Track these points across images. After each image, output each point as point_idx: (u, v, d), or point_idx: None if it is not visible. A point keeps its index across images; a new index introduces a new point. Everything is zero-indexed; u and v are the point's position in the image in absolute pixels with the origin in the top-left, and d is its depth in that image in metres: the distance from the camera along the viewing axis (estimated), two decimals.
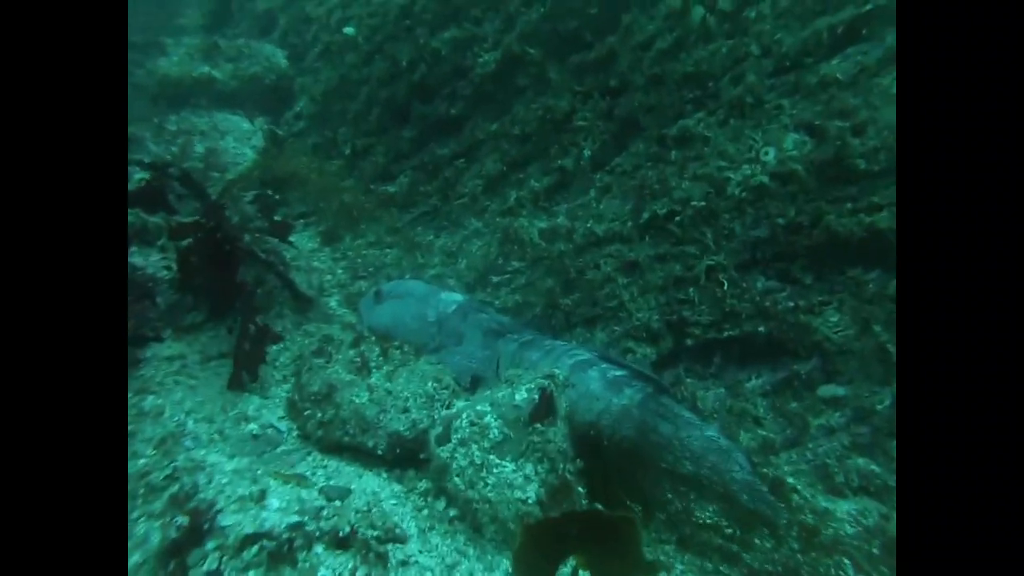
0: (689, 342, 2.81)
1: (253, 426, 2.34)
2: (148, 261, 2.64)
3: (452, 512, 2.10)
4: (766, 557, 2.12)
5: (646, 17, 3.02)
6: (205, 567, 1.72)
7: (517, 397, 2.15)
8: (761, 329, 2.67)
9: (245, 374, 2.48)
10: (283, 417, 2.45)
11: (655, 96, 2.98)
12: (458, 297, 2.96)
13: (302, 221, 3.95)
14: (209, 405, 2.35)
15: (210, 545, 1.77)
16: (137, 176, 2.84)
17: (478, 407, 2.16)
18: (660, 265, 2.87)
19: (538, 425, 2.08)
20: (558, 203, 3.16)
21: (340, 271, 3.57)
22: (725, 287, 2.72)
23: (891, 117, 2.44)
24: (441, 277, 3.30)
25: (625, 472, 2.41)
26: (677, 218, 2.80)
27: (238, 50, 4.36)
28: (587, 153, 3.09)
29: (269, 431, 2.35)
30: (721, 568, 2.07)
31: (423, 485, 2.26)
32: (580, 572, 1.59)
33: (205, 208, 2.80)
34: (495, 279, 3.16)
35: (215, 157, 3.84)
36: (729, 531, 2.27)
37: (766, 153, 2.68)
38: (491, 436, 2.07)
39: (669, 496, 2.46)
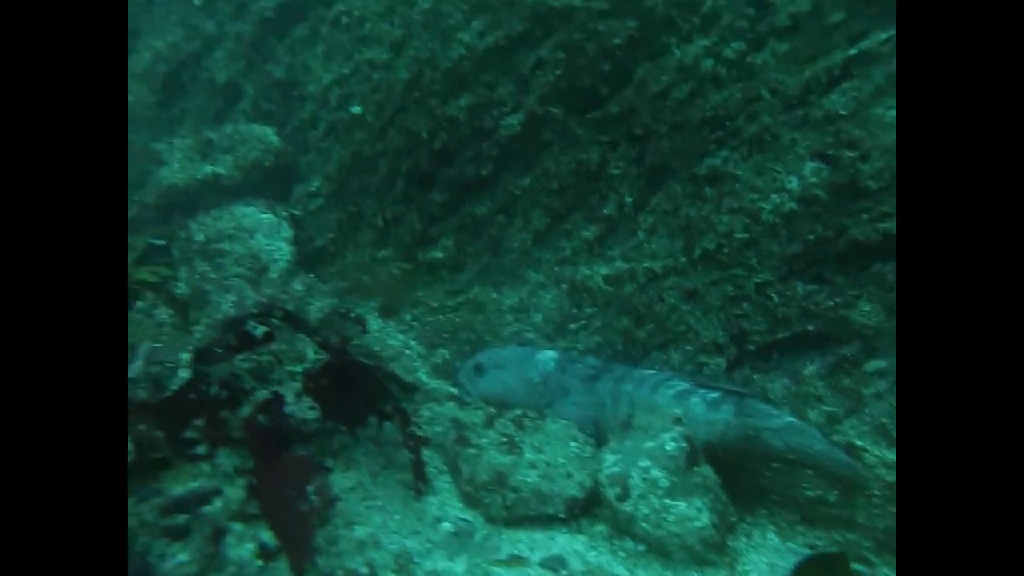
0: (751, 347, 3.48)
1: (447, 524, 2.84)
2: (296, 405, 2.98)
3: (641, 547, 2.73)
4: (870, 513, 2.90)
5: (658, 69, 3.48)
6: None
7: (667, 448, 2.76)
8: (809, 328, 3.38)
9: (419, 483, 2.95)
10: (463, 507, 2.95)
11: (680, 140, 3.50)
12: (552, 353, 3.49)
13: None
14: (407, 520, 2.82)
15: None
16: (249, 327, 3.09)
17: (640, 463, 2.76)
18: (715, 289, 3.48)
19: (695, 468, 2.71)
20: (611, 248, 3.68)
21: (413, 343, 3.97)
22: (775, 299, 3.38)
23: (890, 141, 3.09)
24: (519, 333, 3.79)
25: (735, 472, 3.10)
26: (725, 249, 3.41)
27: (230, 138, 4.44)
28: (629, 199, 3.60)
29: (461, 524, 2.86)
30: (849, 536, 2.82)
31: (599, 530, 2.87)
32: None
33: (321, 342, 3.14)
34: (572, 327, 3.69)
35: (257, 261, 4.05)
36: (833, 499, 3.04)
37: (790, 182, 3.29)
38: (662, 485, 2.69)
39: (768, 477, 3.21)
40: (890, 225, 3.16)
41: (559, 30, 3.63)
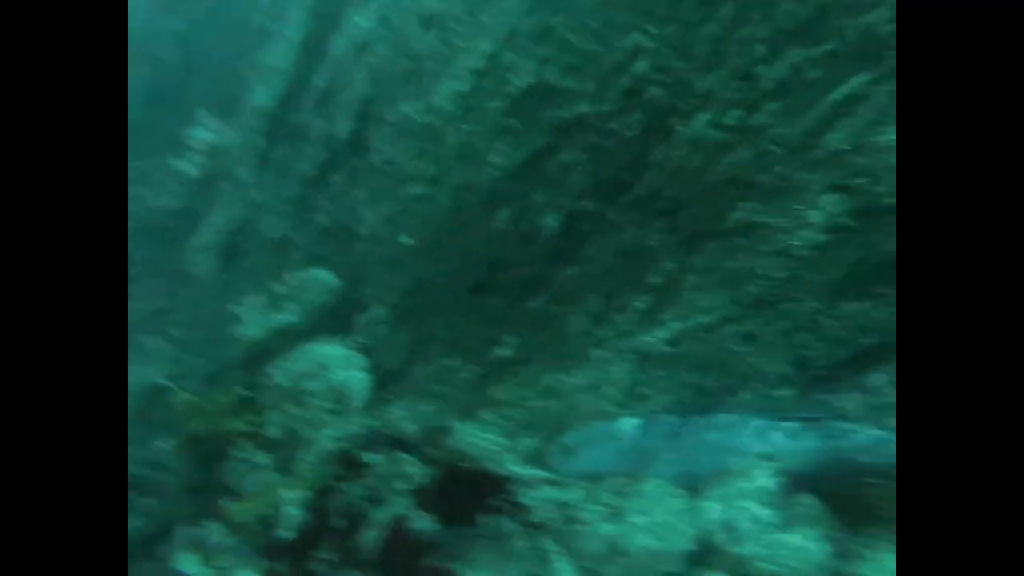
0: (817, 372, 3.73)
1: None
2: (413, 520, 3.28)
3: None
4: None
5: (670, 148, 4.02)
6: None
7: (764, 485, 2.98)
8: (870, 341, 3.63)
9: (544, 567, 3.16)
10: None
11: (705, 204, 3.96)
12: (634, 420, 3.77)
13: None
14: None
15: None
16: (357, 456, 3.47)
17: (741, 505, 2.97)
18: (770, 327, 3.79)
19: (797, 499, 2.91)
20: (664, 311, 4.05)
21: (497, 438, 4.27)
22: (829, 323, 3.67)
23: (894, 162, 3.50)
24: (597, 408, 4.08)
25: (836, 496, 3.25)
26: (771, 290, 3.76)
27: (294, 287, 5.04)
28: (671, 266, 4.02)
29: None
30: None
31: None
32: None
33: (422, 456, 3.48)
34: (646, 392, 3.98)
35: (339, 393, 4.49)
36: None
37: (814, 217, 3.69)
38: (769, 522, 2.88)
39: (871, 494, 3.34)
40: None
41: (576, 135, 4.23)
